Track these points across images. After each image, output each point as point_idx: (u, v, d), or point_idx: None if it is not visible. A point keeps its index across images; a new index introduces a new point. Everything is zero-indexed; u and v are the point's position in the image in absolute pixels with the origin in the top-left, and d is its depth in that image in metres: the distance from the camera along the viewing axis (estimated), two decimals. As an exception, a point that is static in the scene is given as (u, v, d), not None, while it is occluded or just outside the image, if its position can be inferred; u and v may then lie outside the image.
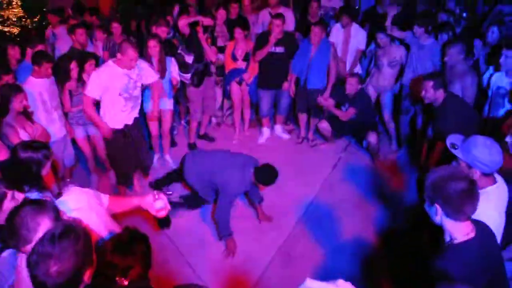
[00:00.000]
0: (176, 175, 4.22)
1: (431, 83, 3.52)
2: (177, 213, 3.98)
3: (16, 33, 7.08)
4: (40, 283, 1.39)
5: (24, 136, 3.25)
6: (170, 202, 2.34)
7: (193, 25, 4.77)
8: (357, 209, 4.19)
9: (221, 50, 5.15)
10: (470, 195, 1.68)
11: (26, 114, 3.46)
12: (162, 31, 4.65)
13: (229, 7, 5.38)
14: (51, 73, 3.81)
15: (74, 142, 4.36)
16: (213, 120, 5.68)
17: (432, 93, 3.54)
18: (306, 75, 4.95)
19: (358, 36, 5.24)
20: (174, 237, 3.81)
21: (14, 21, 7.30)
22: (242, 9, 5.63)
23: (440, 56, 4.41)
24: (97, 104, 3.84)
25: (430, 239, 2.20)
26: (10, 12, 7.28)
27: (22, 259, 1.69)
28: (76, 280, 1.45)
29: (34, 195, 2.36)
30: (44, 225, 1.64)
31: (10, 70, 3.68)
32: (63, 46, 4.94)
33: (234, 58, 5.04)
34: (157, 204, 2.20)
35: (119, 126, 3.85)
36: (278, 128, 5.59)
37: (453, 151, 2.17)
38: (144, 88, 4.17)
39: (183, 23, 4.74)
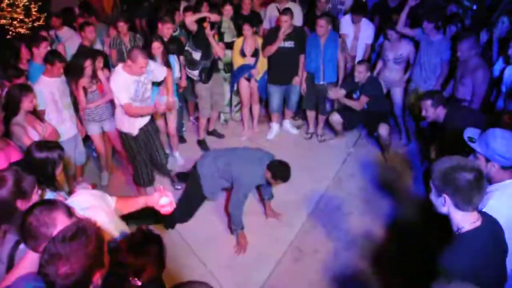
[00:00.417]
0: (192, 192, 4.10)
1: (429, 102, 3.44)
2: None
3: (22, 33, 7.13)
4: (50, 282, 1.42)
5: (33, 135, 3.28)
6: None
7: (200, 22, 4.77)
8: (367, 204, 4.19)
9: (228, 46, 5.14)
10: (479, 185, 1.66)
11: (36, 114, 3.50)
12: (167, 28, 4.65)
13: (241, 2, 5.36)
14: (62, 73, 3.86)
15: (85, 140, 4.42)
16: (221, 116, 5.69)
17: (432, 112, 3.46)
18: (321, 69, 4.92)
19: (367, 31, 5.20)
20: (185, 233, 3.85)
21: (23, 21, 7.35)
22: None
23: (450, 50, 4.35)
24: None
25: (438, 235, 2.19)
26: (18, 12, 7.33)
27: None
28: (85, 282, 1.47)
29: (48, 194, 2.40)
30: (60, 220, 1.66)
31: (22, 73, 3.72)
32: (72, 45, 4.98)
33: (243, 55, 5.03)
34: (162, 200, 2.23)
35: (138, 128, 3.86)
36: (287, 123, 5.58)
37: (471, 144, 2.15)
38: (156, 85, 4.20)
39: (190, 19, 4.74)
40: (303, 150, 5.19)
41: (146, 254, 1.66)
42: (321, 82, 4.97)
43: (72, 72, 4.00)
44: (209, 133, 5.46)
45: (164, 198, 2.23)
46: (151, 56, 4.21)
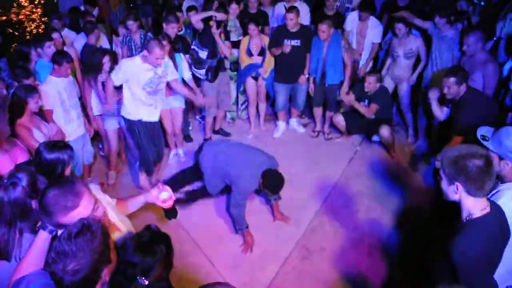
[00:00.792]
0: (190, 173, 4.21)
1: (454, 79, 3.46)
2: (195, 209, 4.04)
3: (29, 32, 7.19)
4: (59, 279, 1.43)
5: (39, 136, 3.26)
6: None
7: (206, 20, 4.77)
8: (374, 202, 4.18)
9: (235, 44, 5.13)
10: (489, 171, 1.70)
11: (41, 114, 3.51)
12: (172, 28, 4.66)
13: (247, 1, 5.36)
14: (69, 73, 3.88)
15: (92, 139, 4.44)
16: (228, 115, 5.69)
17: (456, 89, 3.49)
18: (322, 71, 4.91)
19: (374, 29, 5.16)
20: (192, 231, 3.85)
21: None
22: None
23: (459, 46, 4.32)
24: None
25: (442, 231, 2.19)
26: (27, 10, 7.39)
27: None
28: (93, 278, 1.49)
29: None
30: (84, 192, 1.71)
31: (31, 74, 3.74)
32: (77, 44, 5.02)
33: (250, 54, 5.02)
34: (162, 195, 2.23)
35: (141, 118, 3.98)
36: (294, 121, 5.58)
37: (484, 142, 2.16)
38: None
39: (196, 18, 4.74)
40: (310, 148, 5.18)
41: (154, 254, 1.66)
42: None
43: (91, 69, 4.12)
44: (216, 131, 5.47)
45: (163, 193, 2.24)
46: None
